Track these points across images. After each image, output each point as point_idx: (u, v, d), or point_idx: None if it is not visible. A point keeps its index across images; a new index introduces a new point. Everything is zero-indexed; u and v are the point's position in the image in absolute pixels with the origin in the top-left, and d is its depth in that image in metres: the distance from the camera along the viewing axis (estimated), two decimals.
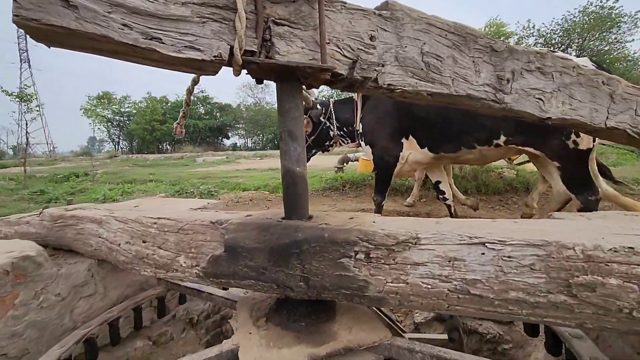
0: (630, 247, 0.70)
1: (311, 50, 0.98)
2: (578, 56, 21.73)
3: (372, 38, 1.03)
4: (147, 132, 36.14)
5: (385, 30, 1.04)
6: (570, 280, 0.72)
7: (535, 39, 22.89)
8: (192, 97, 1.10)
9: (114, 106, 40.91)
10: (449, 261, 0.82)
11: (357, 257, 0.89)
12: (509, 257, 0.77)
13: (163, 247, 1.15)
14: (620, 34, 20.45)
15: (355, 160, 8.32)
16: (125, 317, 1.49)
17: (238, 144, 45.62)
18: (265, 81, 1.04)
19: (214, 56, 0.84)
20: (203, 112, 41.95)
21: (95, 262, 1.41)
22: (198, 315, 1.94)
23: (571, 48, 22.39)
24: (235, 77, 1.05)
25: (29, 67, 53.01)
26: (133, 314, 1.51)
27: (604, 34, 20.65)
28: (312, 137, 3.36)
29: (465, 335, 1.77)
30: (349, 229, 0.91)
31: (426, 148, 2.82)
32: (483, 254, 0.79)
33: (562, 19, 21.95)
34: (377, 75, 1.02)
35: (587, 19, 20.73)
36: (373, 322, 1.15)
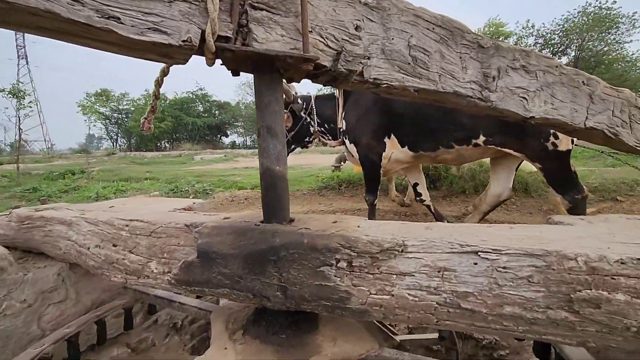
0: (639, 259, 0.62)
1: (292, 39, 0.90)
2: (578, 57, 21.80)
3: (357, 28, 0.95)
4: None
5: (372, 21, 0.97)
6: (571, 295, 0.65)
7: (535, 39, 22.84)
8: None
9: (112, 103, 40.64)
10: (438, 271, 0.74)
11: (338, 265, 0.81)
12: (504, 268, 0.69)
13: (134, 252, 1.07)
14: (618, 34, 20.42)
15: None
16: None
17: (237, 142, 45.46)
18: None
19: (183, 41, 0.76)
20: (202, 110, 41.78)
21: (66, 266, 1.33)
22: (182, 319, 1.85)
23: (570, 48, 22.34)
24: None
25: (27, 63, 52.69)
26: (96, 327, 1.38)
27: (603, 34, 20.61)
28: (292, 133, 3.28)
29: (460, 340, 1.71)
30: (329, 234, 0.83)
31: (406, 147, 2.78)
32: (476, 264, 0.72)
33: (561, 19, 21.90)
34: (363, 68, 0.95)
35: (586, 20, 20.68)
36: (359, 332, 1.07)
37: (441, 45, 1.04)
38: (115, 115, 41.85)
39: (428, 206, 3.41)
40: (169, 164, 16.58)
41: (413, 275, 0.76)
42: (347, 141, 3.07)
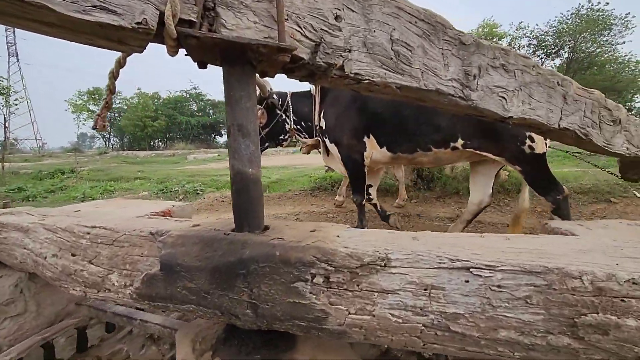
0: None
1: (266, 27, 0.81)
2: (571, 58, 21.98)
3: (337, 18, 0.86)
4: (139, 129, 35.45)
5: (352, 11, 0.88)
6: (575, 319, 0.57)
7: (529, 40, 22.95)
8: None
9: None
10: (425, 289, 0.66)
11: (314, 281, 0.72)
12: (498, 286, 0.61)
13: (94, 262, 0.97)
14: (611, 36, 20.59)
15: None
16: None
17: None
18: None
19: (137, 23, 0.65)
20: (196, 109, 41.36)
21: (26, 276, 1.22)
22: None
23: (563, 50, 22.49)
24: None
25: (17, 60, 51.76)
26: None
27: (596, 36, 20.77)
28: (267, 130, 3.16)
29: None
30: (304, 246, 0.74)
31: (385, 147, 2.73)
32: (467, 281, 0.63)
33: (555, 20, 22.03)
34: (344, 62, 0.86)
35: (579, 21, 20.82)
36: (342, 348, 0.98)
37: (424, 40, 0.98)
38: (108, 114, 41.21)
39: (375, 205, 3.50)
40: (161, 163, 16.33)
41: (397, 294, 0.67)
42: (327, 141, 2.97)
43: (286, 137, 3.30)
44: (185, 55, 0.81)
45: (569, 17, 21.36)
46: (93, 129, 0.88)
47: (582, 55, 21.62)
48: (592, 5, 20.44)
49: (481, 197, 2.81)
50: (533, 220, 4.00)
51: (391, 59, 0.92)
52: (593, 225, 1.21)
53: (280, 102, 3.10)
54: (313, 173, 7.51)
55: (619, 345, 0.55)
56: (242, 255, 0.77)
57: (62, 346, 1.24)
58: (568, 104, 1.22)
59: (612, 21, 20.09)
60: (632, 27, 19.83)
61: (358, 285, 0.70)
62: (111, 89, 0.87)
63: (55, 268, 1.01)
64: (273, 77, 0.90)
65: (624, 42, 20.63)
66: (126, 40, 0.70)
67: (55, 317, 1.28)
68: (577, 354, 0.58)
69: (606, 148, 1.32)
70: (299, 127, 3.26)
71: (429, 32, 0.99)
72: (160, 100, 38.68)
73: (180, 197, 6.19)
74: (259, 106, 2.88)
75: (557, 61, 23.51)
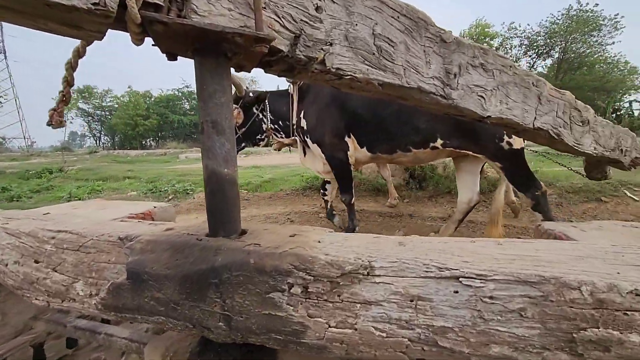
0: None
1: (242, 15, 0.75)
2: (561, 59, 22.22)
3: (318, 9, 0.80)
4: (130, 127, 34.93)
5: (334, 2, 0.83)
6: (574, 334, 0.52)
7: (520, 40, 23.15)
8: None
9: (95, 100, 39.37)
10: (411, 301, 0.60)
11: (291, 291, 0.66)
12: (490, 298, 0.56)
13: (58, 270, 0.90)
14: (601, 36, 20.87)
15: None
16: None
17: None
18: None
19: (93, 4, 0.58)
20: (188, 108, 40.87)
21: None
22: None
23: (554, 50, 22.74)
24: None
25: (5, 58, 50.64)
26: None
27: (586, 36, 21.04)
28: (243, 129, 3.07)
29: None
30: (281, 253, 0.68)
31: (365, 148, 2.72)
32: (456, 292, 0.58)
33: (546, 21, 22.26)
34: (325, 56, 0.80)
35: (570, 22, 21.06)
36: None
37: (406, 36, 0.94)
38: (98, 112, 40.57)
39: (326, 202, 3.59)
40: (152, 162, 16.09)
41: (381, 305, 0.62)
42: (309, 141, 2.91)
43: (263, 136, 3.21)
44: (153, 45, 0.74)
45: (559, 18, 21.60)
46: (48, 124, 0.81)
47: (573, 55, 21.90)
48: (581, 6, 20.69)
49: (470, 195, 2.80)
50: (526, 219, 3.99)
51: (373, 54, 0.88)
52: (587, 227, 1.17)
53: (256, 101, 3.01)
54: (305, 172, 7.44)
55: None
56: (215, 262, 0.71)
57: None
58: (542, 104, 1.24)
59: (601, 22, 20.37)
60: (621, 28, 20.14)
61: (339, 296, 0.64)
62: (69, 81, 0.79)
63: (17, 276, 0.94)
64: (249, 71, 0.84)
65: (613, 43, 20.94)
66: (82, 23, 0.63)
67: (23, 327, 1.20)
68: None
69: (576, 148, 1.35)
70: (276, 126, 3.19)
71: (412, 28, 0.95)
72: (152, 99, 38.18)
73: (170, 197, 6.07)
74: (235, 105, 2.79)
75: (549, 61, 23.78)
